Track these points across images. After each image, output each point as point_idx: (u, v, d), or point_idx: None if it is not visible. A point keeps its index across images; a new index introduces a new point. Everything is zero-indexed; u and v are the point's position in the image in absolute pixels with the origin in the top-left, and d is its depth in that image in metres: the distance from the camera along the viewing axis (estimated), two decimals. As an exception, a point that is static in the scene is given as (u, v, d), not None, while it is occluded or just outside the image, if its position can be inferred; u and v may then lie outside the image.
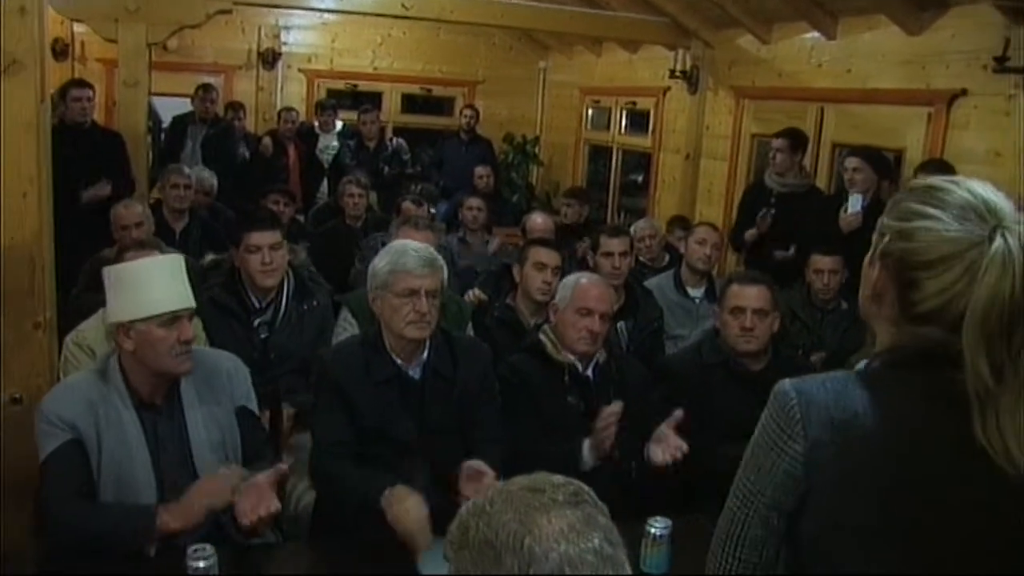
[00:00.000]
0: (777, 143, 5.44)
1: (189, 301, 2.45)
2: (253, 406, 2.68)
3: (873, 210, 4.42)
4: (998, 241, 1.17)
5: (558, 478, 1.17)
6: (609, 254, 4.21)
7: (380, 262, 2.77)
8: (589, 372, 3.13)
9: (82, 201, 5.38)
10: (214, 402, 2.54)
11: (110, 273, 2.45)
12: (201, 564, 2.04)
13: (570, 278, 3.28)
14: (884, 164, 4.89)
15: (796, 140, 5.49)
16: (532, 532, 1.07)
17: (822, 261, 4.52)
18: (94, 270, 3.54)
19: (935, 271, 1.22)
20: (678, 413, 2.84)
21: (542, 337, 3.19)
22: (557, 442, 2.94)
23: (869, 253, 1.36)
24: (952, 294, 1.20)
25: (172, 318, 2.38)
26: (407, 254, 2.74)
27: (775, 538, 1.33)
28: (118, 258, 3.18)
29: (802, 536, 1.31)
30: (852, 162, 4.80)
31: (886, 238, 1.31)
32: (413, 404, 2.74)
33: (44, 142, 2.82)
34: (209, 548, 2.07)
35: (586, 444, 2.88)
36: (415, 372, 2.78)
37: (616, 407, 2.83)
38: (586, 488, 1.16)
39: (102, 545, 2.24)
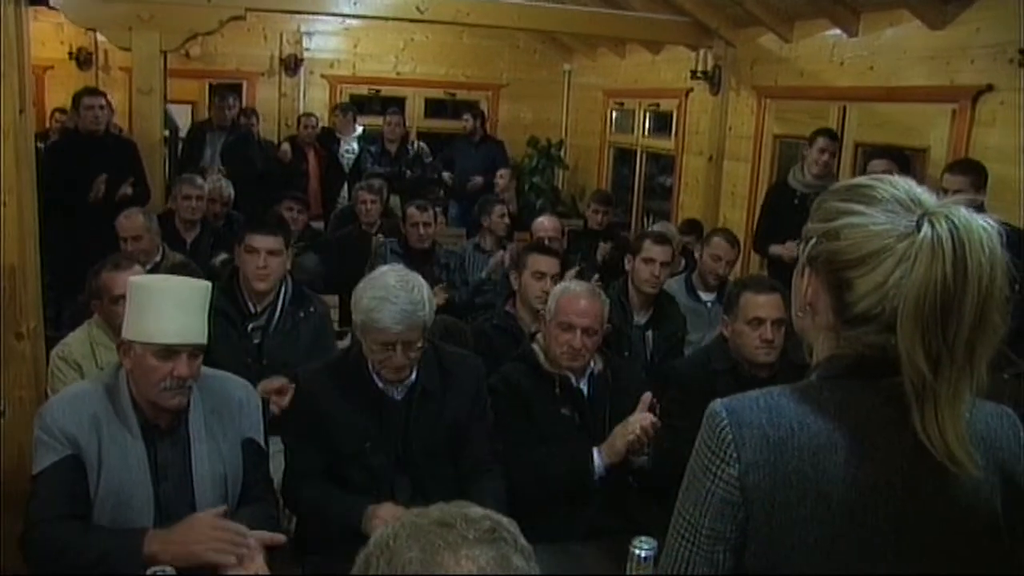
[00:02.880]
0: (824, 143, 5.18)
1: (195, 337, 2.28)
2: (260, 438, 2.54)
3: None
4: (925, 228, 1.13)
5: (475, 511, 1.06)
6: (651, 260, 4.05)
7: (361, 299, 2.52)
8: (583, 384, 3.00)
9: (90, 200, 5.39)
10: (221, 434, 2.42)
11: (131, 285, 2.35)
12: (161, 586, 1.97)
13: (557, 288, 3.11)
14: (907, 166, 4.73)
15: (837, 141, 5.33)
16: None
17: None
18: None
19: (866, 268, 1.16)
20: (647, 395, 2.77)
21: (534, 347, 3.07)
22: (563, 453, 2.85)
23: (798, 263, 1.29)
24: (886, 290, 1.15)
25: (168, 351, 2.24)
26: (384, 307, 2.46)
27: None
28: (97, 273, 3.13)
29: (748, 568, 1.21)
30: (881, 164, 4.60)
31: (812, 241, 1.25)
32: (395, 427, 2.63)
33: (25, 152, 2.79)
34: (169, 570, 2.00)
35: (595, 451, 2.78)
36: (399, 393, 2.66)
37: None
38: (505, 522, 1.05)
39: (86, 571, 2.12)
